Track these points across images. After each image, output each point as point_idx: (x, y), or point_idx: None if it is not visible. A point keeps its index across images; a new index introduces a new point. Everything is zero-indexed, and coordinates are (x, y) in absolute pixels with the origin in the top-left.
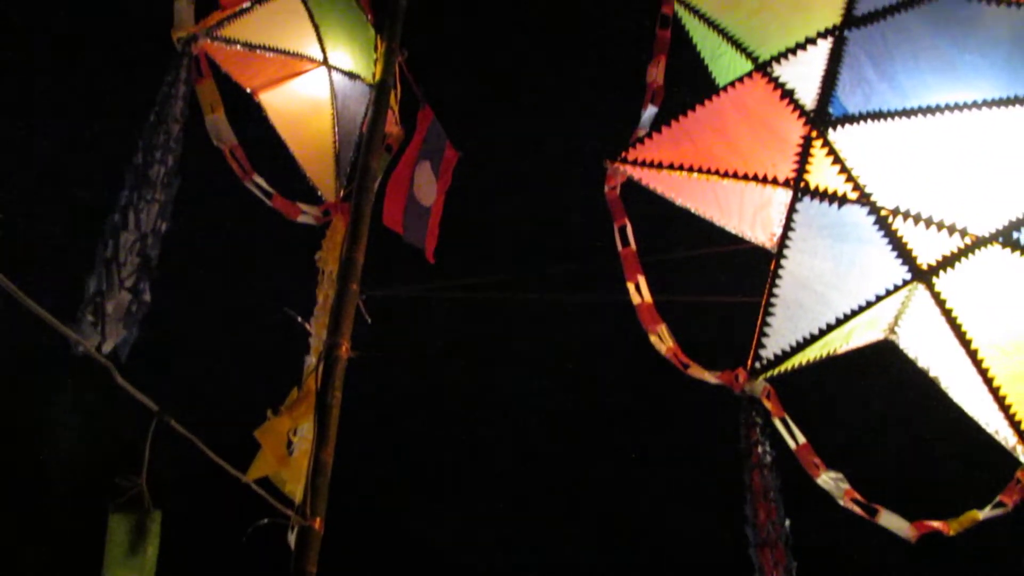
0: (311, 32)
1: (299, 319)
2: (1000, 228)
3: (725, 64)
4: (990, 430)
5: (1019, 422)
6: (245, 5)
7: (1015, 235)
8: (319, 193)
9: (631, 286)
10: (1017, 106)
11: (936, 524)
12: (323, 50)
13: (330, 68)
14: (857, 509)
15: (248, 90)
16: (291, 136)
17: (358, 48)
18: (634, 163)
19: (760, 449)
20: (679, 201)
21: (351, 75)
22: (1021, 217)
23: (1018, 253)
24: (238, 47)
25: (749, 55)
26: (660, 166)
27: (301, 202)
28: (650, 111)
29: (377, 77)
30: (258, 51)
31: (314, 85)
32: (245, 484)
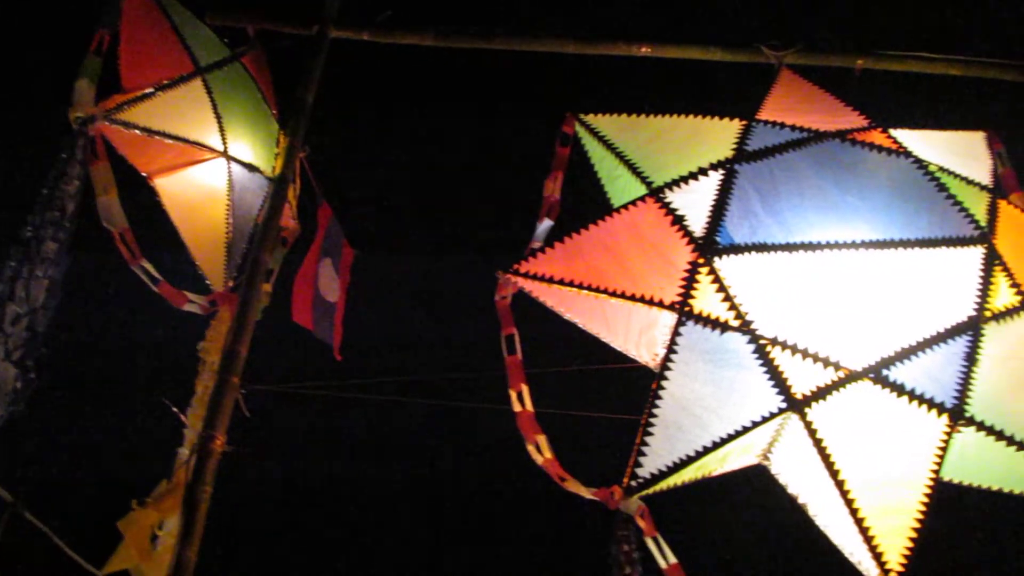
0: (213, 122)
1: (174, 409)
2: (871, 364)
3: (621, 186)
4: (853, 560)
5: (880, 554)
6: (148, 90)
7: (885, 372)
8: (207, 282)
9: (513, 394)
10: (892, 249)
11: None
12: (224, 141)
13: (229, 159)
14: None
15: (144, 174)
16: (184, 223)
17: (260, 141)
18: (525, 275)
19: (629, 569)
20: (568, 316)
21: (250, 167)
22: (891, 355)
23: (887, 390)
24: (137, 131)
25: (644, 179)
26: (551, 280)
27: (190, 291)
28: (545, 224)
29: (277, 171)
30: (157, 137)
31: (212, 174)
32: None
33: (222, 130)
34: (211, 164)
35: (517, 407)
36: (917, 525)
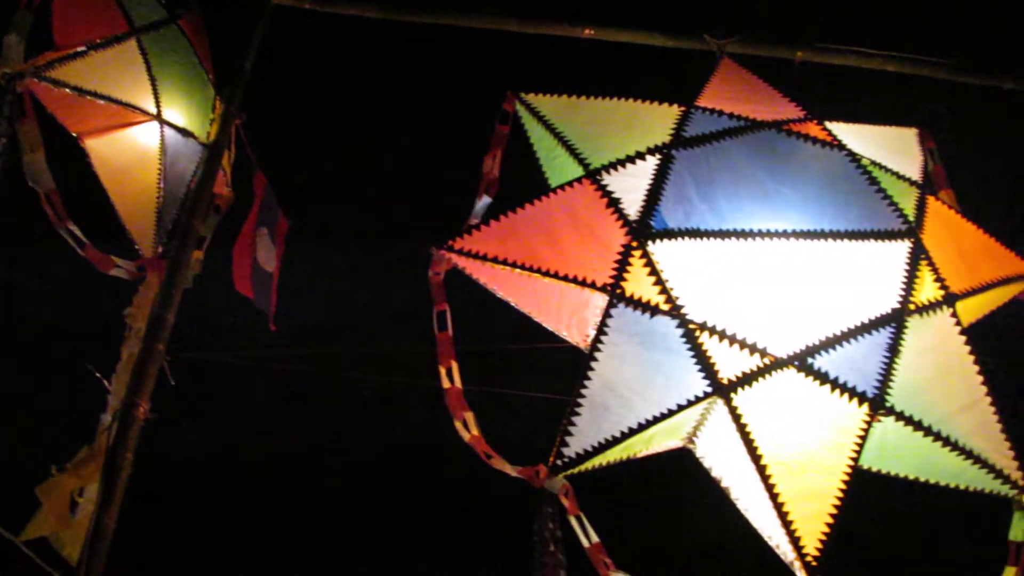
0: (147, 84)
1: (98, 375)
2: (797, 352)
3: (558, 167)
4: (772, 543)
5: (799, 538)
6: (80, 49)
7: (809, 360)
8: (136, 247)
9: (443, 370)
10: (822, 239)
11: None
12: (157, 104)
13: (163, 123)
14: None
15: (74, 135)
16: (114, 186)
17: (195, 106)
18: (459, 252)
19: (552, 547)
20: (500, 294)
21: (184, 132)
22: (816, 344)
23: (811, 378)
24: (67, 90)
25: (581, 161)
26: (484, 258)
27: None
28: (483, 201)
29: (211, 137)
30: (88, 97)
31: (144, 138)
32: (15, 545)
33: (156, 93)
34: (144, 127)
35: (446, 383)
36: (834, 511)
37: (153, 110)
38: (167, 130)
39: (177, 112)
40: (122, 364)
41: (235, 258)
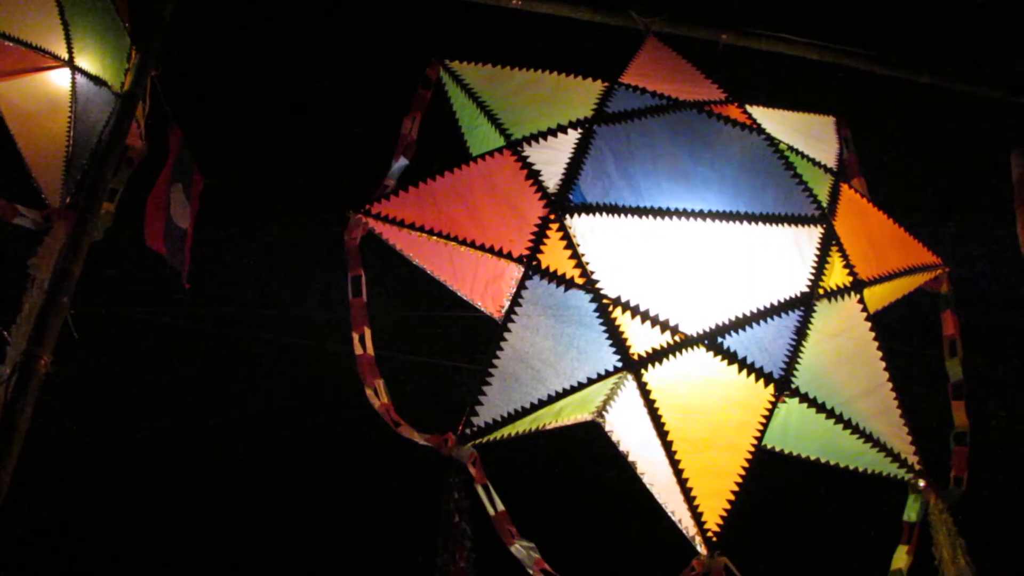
0: (59, 28)
1: None
2: (707, 331)
3: (480, 136)
4: (674, 519)
5: (700, 514)
6: None
7: (719, 339)
8: (44, 196)
9: (355, 336)
10: (737, 221)
11: None
12: (69, 49)
13: (74, 69)
14: None
15: None
16: (21, 132)
17: (109, 54)
18: (376, 217)
19: (458, 516)
20: (416, 261)
21: (97, 80)
22: (726, 324)
23: (720, 357)
24: None
25: (503, 131)
26: (402, 224)
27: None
28: (400, 163)
29: (126, 87)
30: None
31: (54, 83)
32: None
33: (68, 38)
34: (55, 73)
35: (358, 350)
36: (736, 489)
37: (65, 55)
38: (79, 77)
39: (90, 59)
40: (23, 316)
41: (147, 213)
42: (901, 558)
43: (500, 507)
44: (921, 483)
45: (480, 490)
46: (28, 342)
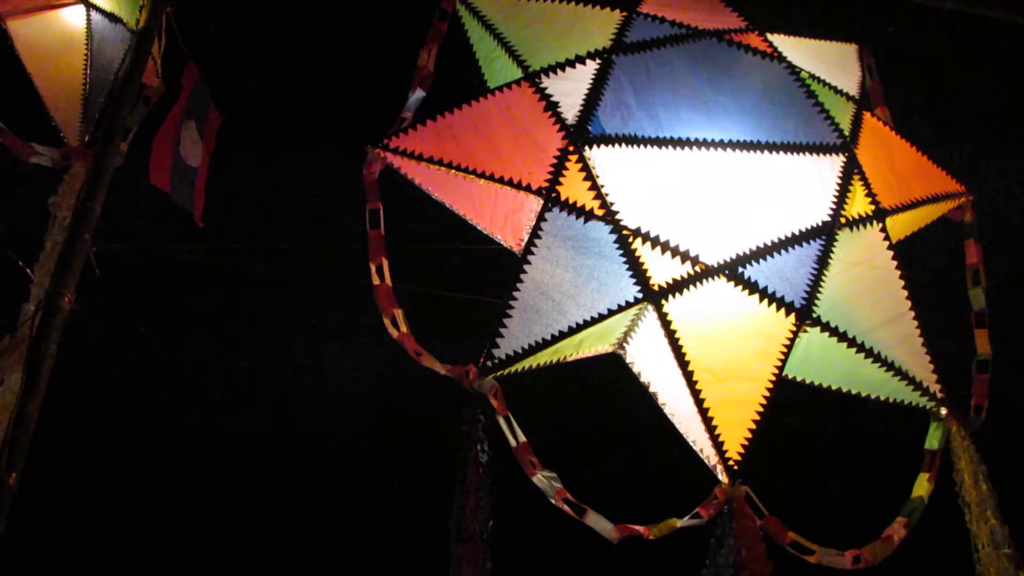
0: None
1: (20, 263)
2: (728, 261)
3: (497, 68)
4: (696, 448)
5: (722, 443)
6: None
7: (740, 270)
8: (62, 135)
9: (373, 267)
10: (758, 151)
11: (638, 528)
12: None
13: (89, 6)
14: (567, 508)
15: None
16: (38, 71)
17: None
18: (395, 151)
19: (478, 447)
20: (435, 195)
21: (112, 17)
22: (747, 254)
23: (741, 287)
24: None
25: (521, 63)
26: (421, 158)
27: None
28: (417, 95)
29: (141, 24)
30: None
31: (69, 21)
32: None
33: None
34: (69, 10)
35: (376, 280)
36: (757, 418)
37: None
38: (94, 14)
39: None
40: (46, 253)
41: (154, 150)
42: (922, 486)
43: (521, 438)
44: (943, 411)
45: (502, 421)
46: (51, 280)
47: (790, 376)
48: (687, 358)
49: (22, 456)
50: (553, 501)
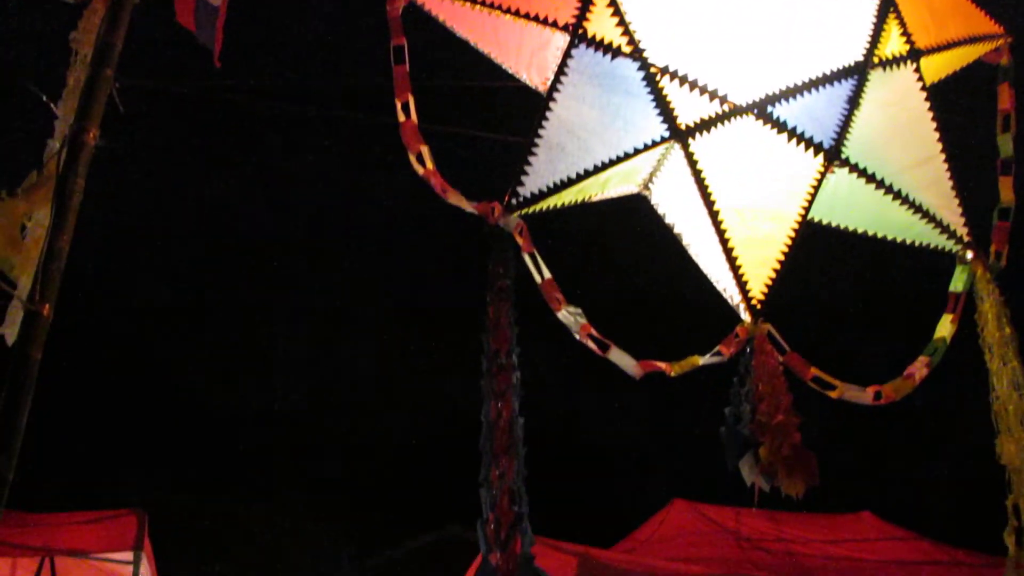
0: None
1: (44, 98)
2: (757, 100)
3: None
4: (719, 287)
5: (745, 283)
6: None
7: (770, 109)
8: None
9: (399, 104)
10: None
11: (660, 364)
12: None
13: None
14: (591, 343)
15: None
16: None
17: None
18: None
19: (504, 282)
20: (460, 32)
21: None
22: (776, 93)
23: (769, 127)
24: None
25: None
26: None
27: None
28: None
29: None
30: None
31: None
32: None
33: None
34: None
35: (402, 117)
36: (782, 258)
37: None
38: None
39: None
40: (68, 89)
41: None
42: (945, 327)
43: (547, 274)
44: (969, 254)
45: (527, 258)
46: (75, 115)
47: (816, 219)
48: (712, 197)
49: (54, 289)
50: (578, 336)
